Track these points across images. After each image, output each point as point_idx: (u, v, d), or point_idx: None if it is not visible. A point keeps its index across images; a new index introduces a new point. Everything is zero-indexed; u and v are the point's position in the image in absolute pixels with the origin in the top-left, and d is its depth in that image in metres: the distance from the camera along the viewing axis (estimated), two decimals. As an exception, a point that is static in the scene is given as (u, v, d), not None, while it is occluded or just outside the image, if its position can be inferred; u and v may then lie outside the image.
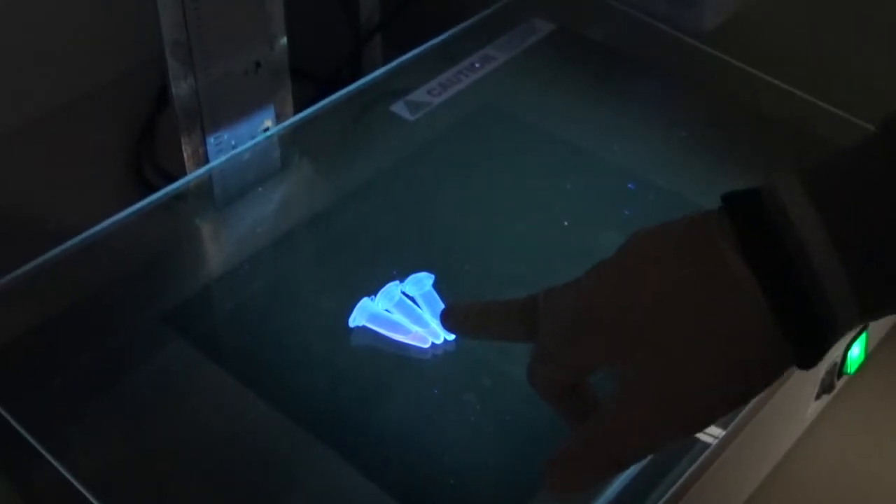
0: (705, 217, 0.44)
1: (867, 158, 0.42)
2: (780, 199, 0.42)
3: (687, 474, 0.58)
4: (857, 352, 0.72)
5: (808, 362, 0.43)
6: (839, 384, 0.73)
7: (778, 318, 0.42)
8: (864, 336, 0.71)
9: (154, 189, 0.74)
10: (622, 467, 0.46)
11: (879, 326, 0.75)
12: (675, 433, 0.45)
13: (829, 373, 0.70)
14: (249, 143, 0.75)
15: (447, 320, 0.56)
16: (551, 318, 0.48)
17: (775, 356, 0.42)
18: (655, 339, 0.43)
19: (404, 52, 0.84)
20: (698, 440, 0.60)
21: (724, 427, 0.61)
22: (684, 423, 0.44)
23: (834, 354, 0.69)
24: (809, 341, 0.42)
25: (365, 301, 0.66)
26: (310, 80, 0.89)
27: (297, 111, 0.78)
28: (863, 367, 0.74)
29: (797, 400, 0.69)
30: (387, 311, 0.66)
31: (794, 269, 0.41)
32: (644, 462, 0.57)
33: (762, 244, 0.42)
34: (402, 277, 0.67)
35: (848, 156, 0.43)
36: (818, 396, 0.71)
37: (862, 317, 0.42)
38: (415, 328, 0.65)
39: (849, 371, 0.72)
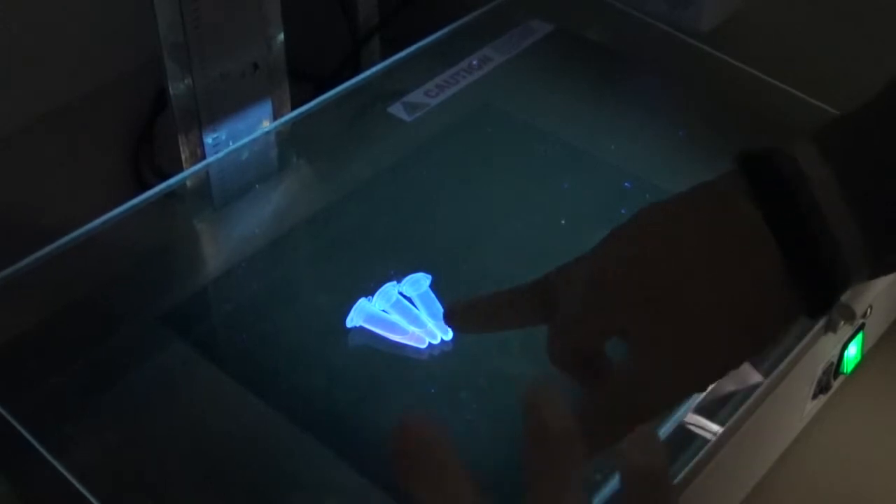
0: (718, 178, 0.45)
1: (876, 116, 0.44)
2: (792, 154, 0.43)
3: (683, 473, 0.59)
4: (853, 352, 0.71)
5: (818, 312, 0.44)
6: (836, 384, 0.73)
7: (791, 268, 0.43)
8: (860, 336, 0.71)
9: (153, 192, 0.74)
10: (640, 424, 0.46)
11: (876, 326, 0.75)
12: (691, 386, 0.46)
13: (826, 373, 0.70)
14: (247, 139, 0.75)
15: (451, 319, 0.55)
16: (569, 289, 0.48)
17: (788, 306, 0.44)
18: (673, 294, 0.44)
19: (403, 55, 0.85)
20: (695, 440, 0.60)
21: (720, 426, 0.61)
22: (701, 375, 0.45)
23: (830, 354, 0.69)
24: (820, 291, 0.43)
25: (362, 301, 0.66)
26: (308, 81, 0.89)
27: (294, 113, 0.78)
28: (859, 367, 0.74)
29: (794, 400, 0.69)
30: (384, 311, 0.66)
31: (808, 219, 0.42)
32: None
33: (776, 196, 0.43)
34: (399, 278, 0.67)
35: (858, 114, 0.44)
36: (815, 396, 0.71)
37: (872, 269, 0.43)
38: (412, 328, 0.65)
39: (845, 371, 0.72)
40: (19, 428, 0.58)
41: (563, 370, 0.50)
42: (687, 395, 0.47)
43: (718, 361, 0.45)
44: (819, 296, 0.44)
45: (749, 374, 0.63)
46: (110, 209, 0.70)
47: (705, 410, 0.61)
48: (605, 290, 0.46)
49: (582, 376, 0.50)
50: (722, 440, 0.61)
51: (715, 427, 0.61)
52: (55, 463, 0.56)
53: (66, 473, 0.56)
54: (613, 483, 0.57)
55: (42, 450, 0.57)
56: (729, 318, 0.44)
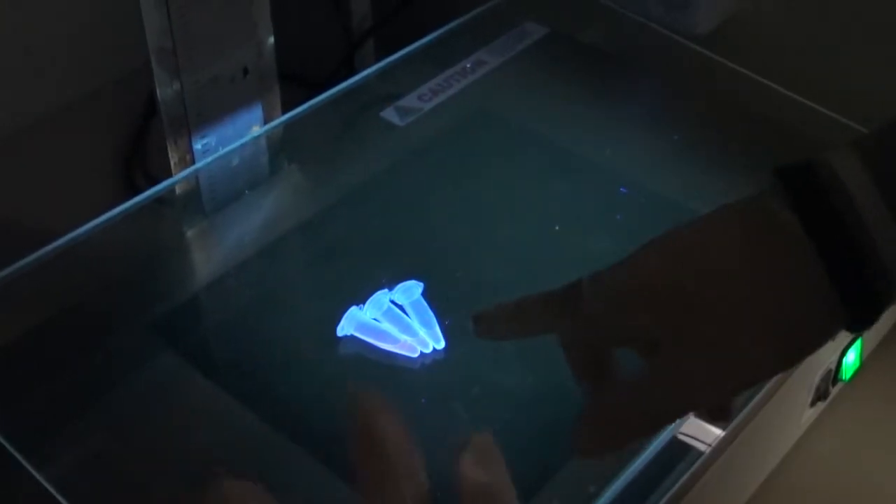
0: (756, 193, 0.45)
1: None
2: (833, 165, 0.43)
3: (681, 482, 0.58)
4: (852, 358, 0.71)
5: (861, 325, 0.44)
6: (834, 391, 0.72)
7: (832, 280, 0.42)
8: (859, 342, 0.71)
9: (144, 198, 0.73)
10: (661, 426, 0.47)
11: (874, 333, 0.74)
12: (719, 393, 0.46)
13: (824, 380, 0.70)
14: (237, 144, 0.74)
15: (479, 325, 0.54)
16: (599, 292, 0.48)
17: (828, 317, 0.43)
18: (709, 302, 0.44)
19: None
20: (692, 448, 0.60)
21: (718, 434, 0.60)
22: (731, 382, 0.45)
23: (828, 361, 0.69)
24: (863, 303, 0.43)
25: (353, 310, 0.65)
26: (302, 84, 0.89)
27: (287, 118, 0.78)
28: (858, 373, 0.73)
29: (792, 407, 0.68)
30: (375, 319, 0.66)
31: (849, 231, 0.42)
32: (638, 469, 0.57)
33: (816, 207, 0.42)
34: (391, 286, 0.67)
35: None
36: (813, 403, 0.70)
37: None
38: (404, 337, 0.65)
39: (844, 378, 0.71)
40: (2, 441, 0.57)
41: (575, 370, 0.50)
42: (713, 400, 0.47)
43: (749, 373, 0.45)
44: (862, 309, 0.43)
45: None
46: (101, 215, 0.70)
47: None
48: (639, 293, 0.46)
49: (592, 379, 0.50)
50: (719, 448, 0.60)
51: (712, 435, 0.60)
52: (39, 478, 0.56)
53: (50, 489, 0.55)
54: (608, 493, 0.56)
55: (26, 464, 0.56)
56: (766, 330, 0.43)
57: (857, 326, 0.44)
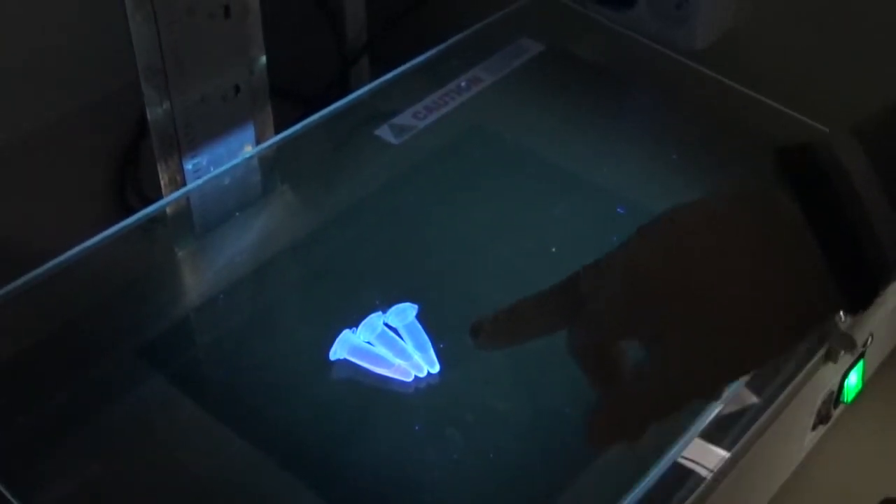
0: (752, 173, 0.45)
1: None
2: (832, 147, 0.43)
3: (684, 507, 0.57)
4: (854, 380, 0.70)
5: (859, 306, 0.43)
6: (836, 413, 0.71)
7: (830, 262, 0.42)
8: (861, 364, 0.70)
9: (136, 217, 0.72)
10: (669, 413, 0.46)
11: (876, 355, 0.74)
12: (722, 378, 0.46)
13: (826, 402, 0.69)
14: (228, 165, 0.73)
15: (478, 335, 0.53)
16: (600, 284, 0.48)
17: (825, 299, 0.43)
18: (708, 288, 0.44)
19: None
20: (694, 472, 0.59)
21: (719, 458, 0.60)
22: (732, 366, 0.45)
23: (830, 383, 0.68)
24: (860, 285, 0.43)
25: (346, 333, 0.64)
26: (295, 101, 0.88)
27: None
28: (860, 395, 0.73)
29: (794, 430, 0.68)
30: (369, 343, 0.65)
31: (846, 211, 0.42)
32: (640, 495, 0.57)
33: (813, 189, 0.42)
34: (384, 308, 0.66)
35: None
36: (815, 427, 0.70)
37: None
38: (397, 361, 0.64)
39: (846, 400, 0.71)
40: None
41: (582, 366, 0.49)
42: (713, 390, 0.47)
43: (750, 356, 0.45)
44: (859, 292, 0.43)
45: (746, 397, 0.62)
46: (93, 235, 0.69)
47: (705, 442, 0.60)
48: (641, 288, 0.46)
49: (599, 374, 0.49)
50: (722, 472, 0.60)
51: (715, 459, 0.60)
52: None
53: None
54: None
55: (8, 495, 0.55)
56: (765, 313, 0.44)
57: (856, 308, 0.44)
